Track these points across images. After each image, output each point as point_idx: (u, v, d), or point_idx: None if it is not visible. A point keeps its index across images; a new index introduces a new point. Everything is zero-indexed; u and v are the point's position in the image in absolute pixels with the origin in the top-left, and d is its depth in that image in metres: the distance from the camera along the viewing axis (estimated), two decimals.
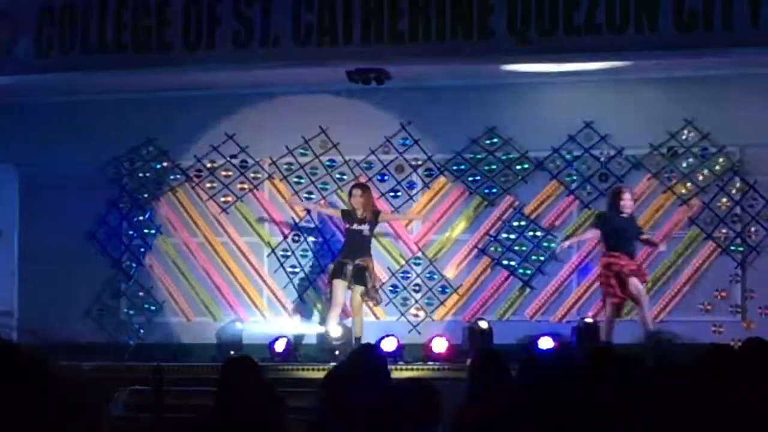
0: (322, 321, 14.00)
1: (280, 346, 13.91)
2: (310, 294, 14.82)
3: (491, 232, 14.49)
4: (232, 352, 13.12)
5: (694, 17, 12.24)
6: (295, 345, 14.10)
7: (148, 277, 15.25)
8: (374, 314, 14.48)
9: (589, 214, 14.28)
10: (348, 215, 13.57)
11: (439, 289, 14.58)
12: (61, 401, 1.59)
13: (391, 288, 14.59)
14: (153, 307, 15.16)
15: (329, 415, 5.02)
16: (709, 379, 4.27)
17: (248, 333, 14.38)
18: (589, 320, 13.69)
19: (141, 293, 15.21)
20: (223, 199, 15.13)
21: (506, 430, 4.74)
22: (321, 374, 5.44)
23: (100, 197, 15.14)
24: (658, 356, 11.54)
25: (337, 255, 13.77)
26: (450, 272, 14.58)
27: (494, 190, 14.53)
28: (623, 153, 14.24)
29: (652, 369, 4.85)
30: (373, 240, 14.00)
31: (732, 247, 14.01)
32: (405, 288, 14.63)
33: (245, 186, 15.11)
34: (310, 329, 14.44)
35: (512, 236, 14.44)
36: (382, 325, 14.16)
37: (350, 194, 13.65)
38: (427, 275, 14.62)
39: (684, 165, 14.16)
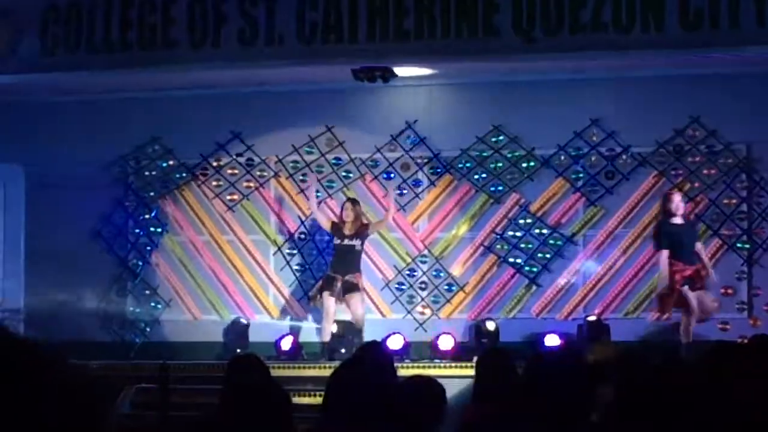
0: (318, 333, 14.00)
1: (286, 345, 13.92)
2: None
3: (497, 230, 14.48)
4: (238, 350, 13.14)
5: (700, 16, 12.23)
6: (302, 343, 14.12)
7: (154, 276, 15.26)
8: (380, 312, 14.49)
9: (594, 212, 14.28)
10: (337, 230, 13.56)
11: (446, 287, 14.58)
12: (73, 397, 1.59)
13: (397, 286, 14.59)
14: (159, 306, 15.17)
15: (335, 412, 5.02)
16: (715, 377, 4.27)
17: (254, 331, 14.40)
18: (593, 318, 13.68)
19: (147, 291, 15.22)
20: (229, 198, 15.13)
21: (512, 428, 4.74)
22: (327, 372, 5.44)
23: (106, 196, 15.15)
24: (665, 354, 11.53)
25: (327, 268, 13.78)
26: (456, 270, 14.57)
27: (500, 188, 14.52)
28: (630, 150, 14.23)
29: (657, 367, 4.84)
30: (380, 238, 13.99)
31: (738, 245, 14.00)
32: (411, 286, 14.63)
33: (251, 184, 15.11)
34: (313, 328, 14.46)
35: (518, 234, 14.43)
36: (388, 323, 14.16)
37: (342, 207, 13.66)
38: (434, 273, 14.62)
39: (690, 162, 14.14)
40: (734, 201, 14.02)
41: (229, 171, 15.14)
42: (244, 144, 15.05)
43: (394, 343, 13.17)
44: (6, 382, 1.53)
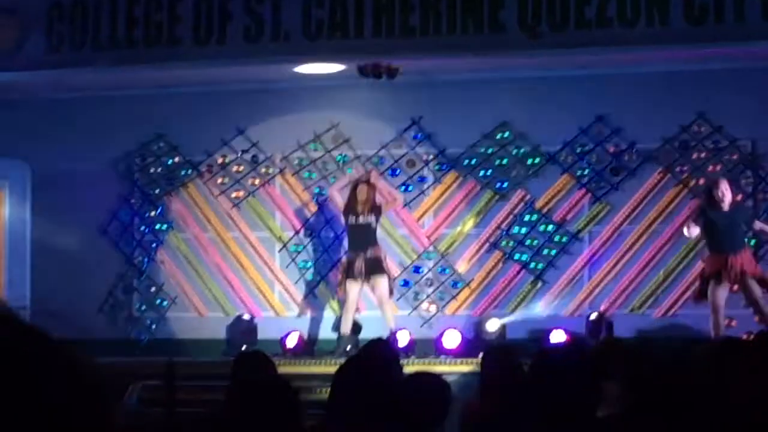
0: (336, 326, 13.95)
1: (291, 341, 13.93)
2: (321, 289, 14.83)
3: (503, 227, 14.48)
4: (244, 347, 13.15)
5: (705, 10, 12.23)
6: (307, 340, 14.13)
7: (159, 273, 15.27)
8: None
9: (600, 208, 14.28)
10: (351, 209, 13.48)
11: (451, 283, 14.58)
12: (83, 384, 1.61)
13: (402, 282, 14.59)
14: (165, 303, 15.18)
15: (341, 409, 5.03)
16: (721, 373, 4.26)
17: (260, 328, 14.41)
18: (595, 315, 13.68)
19: (153, 288, 15.23)
20: (234, 194, 15.13)
21: (517, 424, 4.75)
22: (333, 369, 5.44)
23: (111, 193, 15.16)
24: (670, 350, 11.53)
25: (347, 253, 13.73)
26: (462, 266, 14.57)
27: (506, 184, 14.51)
28: (635, 146, 14.22)
29: (662, 363, 4.84)
30: (385, 235, 14.00)
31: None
32: (417, 282, 14.63)
33: (256, 181, 15.11)
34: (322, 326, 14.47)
35: (524, 230, 14.43)
36: (393, 319, 14.14)
37: (355, 189, 13.57)
38: (439, 270, 14.62)
39: (695, 158, 14.13)
40: (739, 197, 14.00)
41: (235, 168, 15.15)
42: (249, 141, 15.05)
43: (400, 340, 13.16)
44: (17, 368, 1.55)
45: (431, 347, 13.68)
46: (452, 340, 13.53)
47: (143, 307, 15.22)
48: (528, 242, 14.42)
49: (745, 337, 10.26)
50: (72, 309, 14.47)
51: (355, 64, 13.43)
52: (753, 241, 13.35)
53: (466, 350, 13.26)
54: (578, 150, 14.34)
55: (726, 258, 12.31)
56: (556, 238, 14.35)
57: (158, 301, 15.20)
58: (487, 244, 14.53)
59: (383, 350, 7.11)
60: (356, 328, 13.71)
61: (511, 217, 14.48)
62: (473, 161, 14.56)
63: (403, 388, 5.32)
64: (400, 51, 13.12)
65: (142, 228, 15.27)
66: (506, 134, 14.49)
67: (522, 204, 14.47)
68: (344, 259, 13.72)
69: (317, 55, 13.32)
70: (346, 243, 14.36)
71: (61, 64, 13.79)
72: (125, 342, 14.78)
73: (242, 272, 15.06)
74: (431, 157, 14.69)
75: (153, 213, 15.26)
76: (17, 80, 14.19)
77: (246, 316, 14.58)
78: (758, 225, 12.80)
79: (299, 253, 14.90)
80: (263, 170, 15.10)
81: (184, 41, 13.42)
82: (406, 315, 14.46)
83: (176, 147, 15.23)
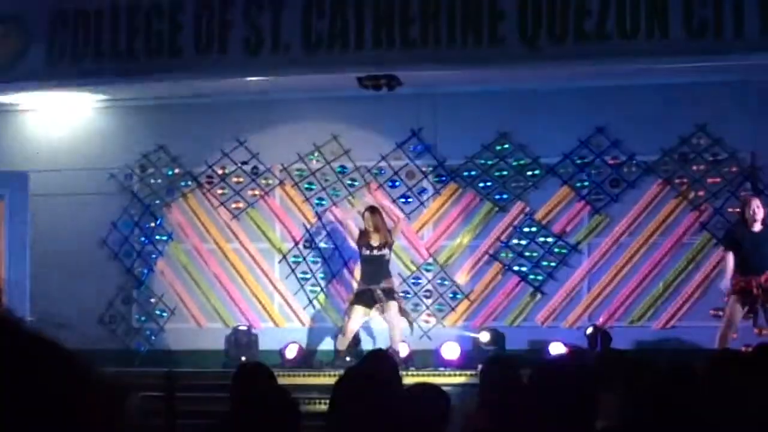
0: (335, 337, 13.97)
1: (291, 353, 13.93)
2: (321, 300, 14.83)
3: (502, 238, 14.48)
4: (243, 359, 13.15)
5: (705, 23, 12.25)
6: (307, 351, 14.13)
7: (159, 284, 15.28)
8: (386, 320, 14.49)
9: (599, 220, 14.29)
10: (365, 241, 13.49)
11: (450, 295, 14.58)
12: (88, 387, 1.63)
13: (402, 294, 14.59)
14: (164, 313, 15.19)
15: (340, 421, 5.03)
16: (719, 385, 4.28)
17: (259, 339, 14.41)
18: (592, 327, 13.68)
19: (152, 299, 15.24)
20: (234, 206, 15.15)
21: None
22: (333, 380, 5.45)
23: (111, 204, 15.18)
24: (670, 362, 11.51)
25: (360, 282, 13.73)
26: (461, 278, 14.57)
27: (505, 196, 14.53)
28: (635, 158, 14.23)
29: (662, 375, 4.85)
30: None
31: None
32: (416, 294, 14.63)
33: (256, 192, 15.13)
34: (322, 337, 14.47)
35: (523, 242, 14.44)
36: None
37: (363, 218, 13.64)
38: (438, 281, 14.62)
39: (695, 170, 14.14)
40: (738, 209, 14.00)
41: (234, 179, 15.16)
42: (249, 152, 15.07)
43: (400, 351, 13.16)
44: (25, 372, 1.57)
45: (430, 359, 13.68)
46: (451, 351, 13.54)
47: (143, 318, 15.23)
48: (527, 254, 14.43)
49: (743, 349, 10.27)
50: (71, 319, 14.46)
51: (355, 76, 13.46)
52: None
53: (465, 362, 13.27)
54: (578, 162, 14.35)
55: (750, 280, 12.23)
56: (556, 250, 14.36)
57: (158, 312, 15.20)
58: (487, 256, 14.53)
59: (383, 361, 7.11)
60: (356, 340, 13.75)
61: (510, 228, 14.49)
62: (473, 173, 14.58)
63: (403, 400, 5.33)
64: (399, 63, 13.15)
65: (142, 239, 15.28)
66: (506, 146, 14.51)
67: (521, 216, 14.48)
68: (356, 287, 13.76)
69: (317, 66, 13.34)
70: (345, 255, 14.41)
71: (63, 76, 13.81)
72: (124, 353, 14.77)
73: (242, 283, 15.07)
74: (431, 168, 14.71)
75: (153, 224, 15.28)
76: (19, 92, 14.25)
77: (245, 327, 14.57)
78: None
79: (299, 264, 14.92)
80: (263, 181, 15.12)
81: (184, 52, 13.44)
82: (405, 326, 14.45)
83: (176, 158, 15.25)
